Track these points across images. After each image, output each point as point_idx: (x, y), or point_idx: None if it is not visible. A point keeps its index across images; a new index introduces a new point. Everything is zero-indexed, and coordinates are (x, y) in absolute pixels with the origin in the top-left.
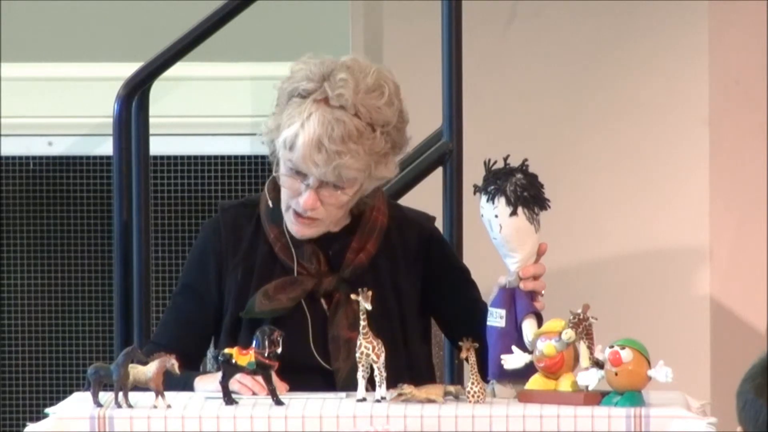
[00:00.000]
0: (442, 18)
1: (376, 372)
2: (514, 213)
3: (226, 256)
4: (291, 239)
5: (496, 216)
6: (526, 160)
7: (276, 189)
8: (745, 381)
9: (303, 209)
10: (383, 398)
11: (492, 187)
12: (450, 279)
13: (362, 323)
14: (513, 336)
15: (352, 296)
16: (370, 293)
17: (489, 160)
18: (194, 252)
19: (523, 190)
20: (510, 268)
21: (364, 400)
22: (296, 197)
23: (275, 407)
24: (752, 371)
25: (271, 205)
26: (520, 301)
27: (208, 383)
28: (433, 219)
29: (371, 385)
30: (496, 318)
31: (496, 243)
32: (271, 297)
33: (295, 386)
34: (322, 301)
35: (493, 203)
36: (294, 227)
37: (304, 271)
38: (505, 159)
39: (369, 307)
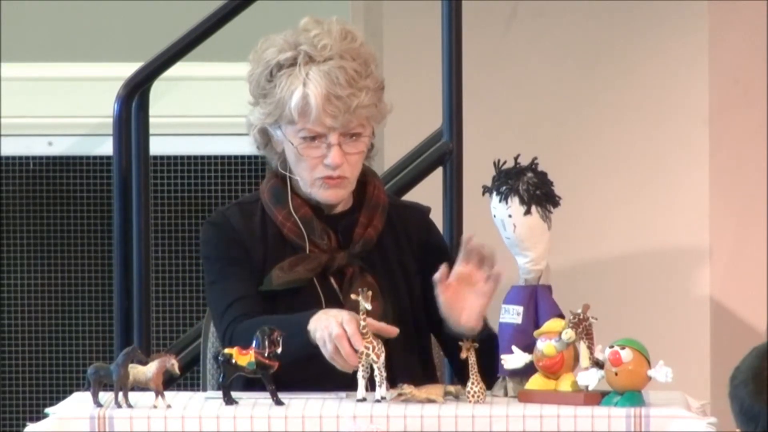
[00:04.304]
0: (442, 18)
1: (376, 372)
2: (528, 212)
3: (243, 240)
4: (300, 219)
5: (510, 216)
6: (535, 158)
7: (276, 175)
8: (737, 386)
9: (334, 166)
10: (383, 398)
11: (504, 187)
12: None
13: (362, 323)
14: (530, 333)
15: (352, 296)
16: (370, 293)
17: (498, 161)
18: (211, 242)
19: (536, 189)
20: (523, 267)
21: (364, 400)
22: (320, 164)
23: (275, 407)
24: (743, 376)
25: (287, 173)
26: (544, 300)
27: (322, 320)
28: (429, 209)
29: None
30: (513, 315)
31: (509, 243)
32: (287, 270)
33: (308, 369)
34: (332, 280)
35: (507, 203)
36: (326, 193)
37: (316, 249)
38: (516, 158)
39: (369, 307)
